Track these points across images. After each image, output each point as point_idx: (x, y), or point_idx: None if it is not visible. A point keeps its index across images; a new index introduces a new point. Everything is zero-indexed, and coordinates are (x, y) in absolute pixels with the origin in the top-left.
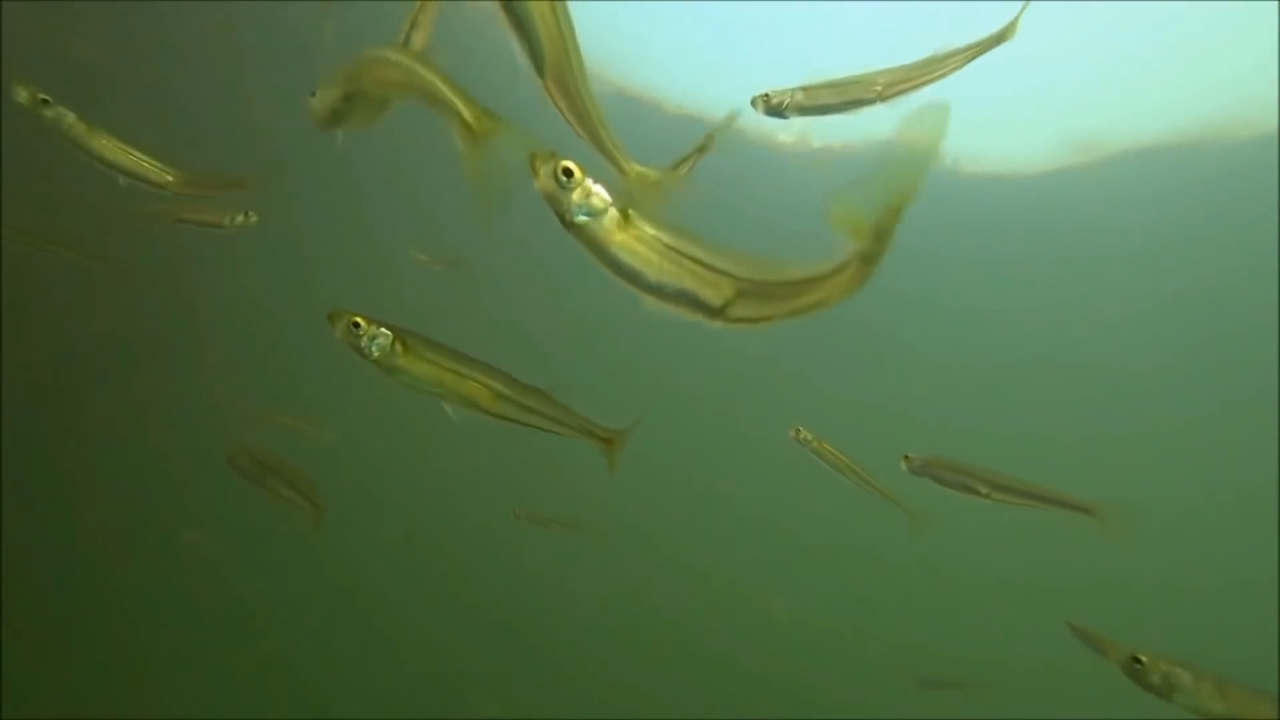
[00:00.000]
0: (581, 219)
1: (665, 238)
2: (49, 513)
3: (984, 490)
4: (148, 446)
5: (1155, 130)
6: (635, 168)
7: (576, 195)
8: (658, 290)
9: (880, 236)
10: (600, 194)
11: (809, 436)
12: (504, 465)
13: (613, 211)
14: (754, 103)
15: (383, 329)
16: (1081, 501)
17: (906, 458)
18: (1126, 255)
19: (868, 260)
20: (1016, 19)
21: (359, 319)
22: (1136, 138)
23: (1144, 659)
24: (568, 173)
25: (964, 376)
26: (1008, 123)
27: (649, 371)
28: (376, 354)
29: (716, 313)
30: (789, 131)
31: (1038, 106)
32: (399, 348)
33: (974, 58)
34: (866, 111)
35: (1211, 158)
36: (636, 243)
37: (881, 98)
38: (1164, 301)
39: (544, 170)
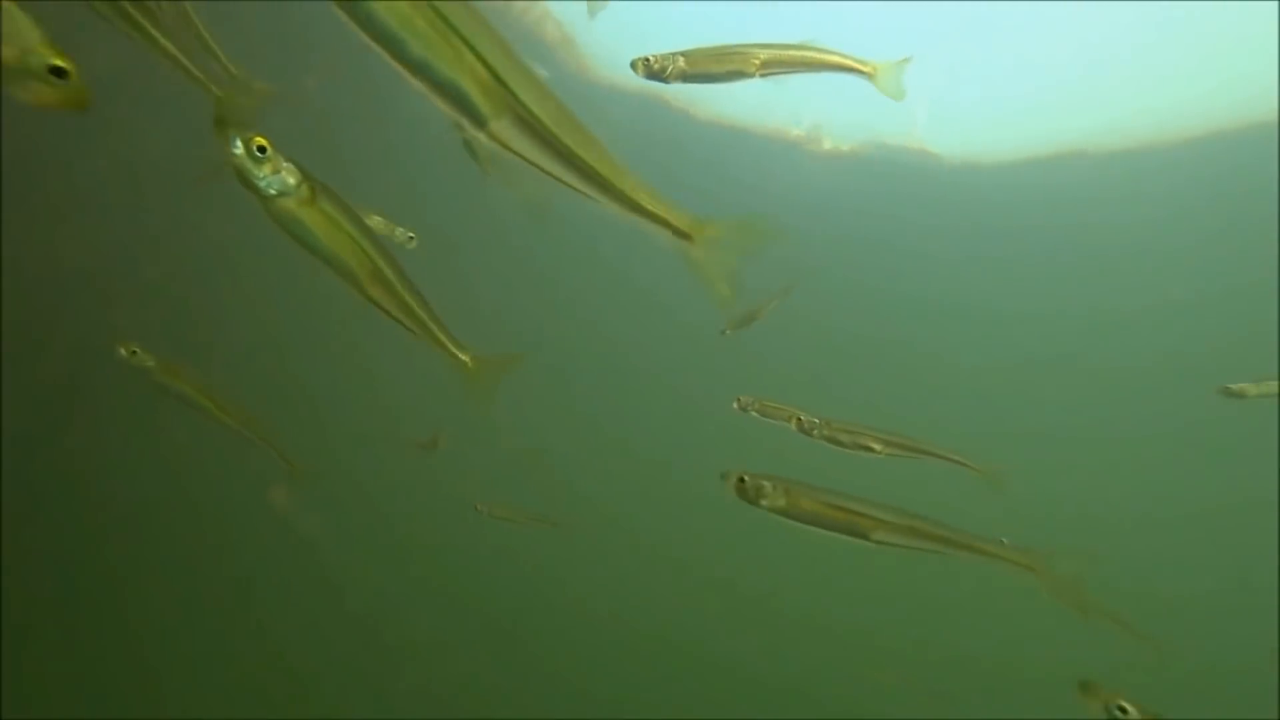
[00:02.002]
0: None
1: None
2: (50, 513)
3: (878, 448)
4: (148, 445)
5: (1156, 126)
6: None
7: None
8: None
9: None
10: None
11: (748, 401)
12: (504, 466)
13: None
14: (634, 65)
15: (292, 163)
16: (964, 459)
17: (799, 420)
18: (1126, 252)
19: (666, 226)
20: (898, 65)
21: (266, 142)
22: (1137, 134)
23: (745, 478)
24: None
25: (961, 373)
26: (1007, 118)
27: (643, 371)
28: (275, 192)
29: (480, 123)
30: (800, 129)
31: (1038, 102)
32: (305, 193)
33: (841, 69)
34: (878, 115)
35: (1212, 154)
36: None
37: (760, 73)
38: (1164, 298)
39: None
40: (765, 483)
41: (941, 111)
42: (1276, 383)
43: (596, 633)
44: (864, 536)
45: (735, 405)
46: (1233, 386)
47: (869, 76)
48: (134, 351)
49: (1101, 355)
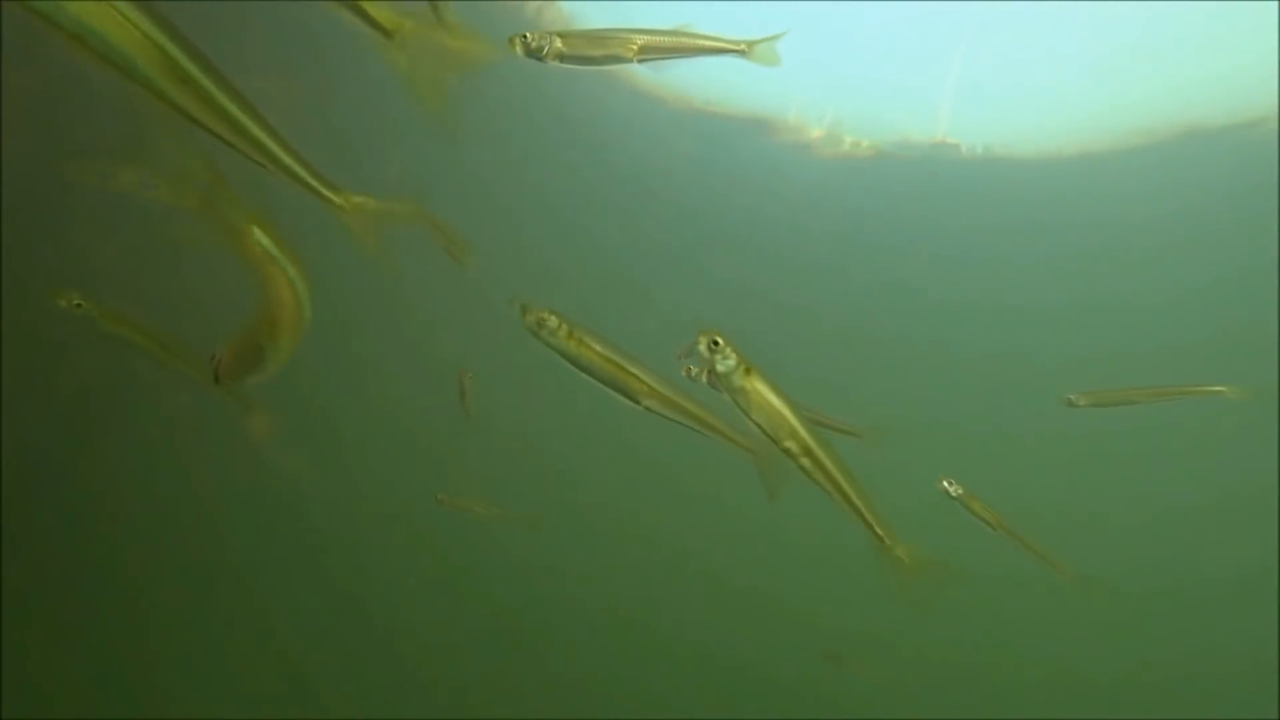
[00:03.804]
0: None
1: None
2: (50, 511)
3: None
4: (150, 442)
5: (1156, 123)
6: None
7: None
8: None
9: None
10: None
11: (696, 372)
12: (507, 466)
13: None
14: (511, 42)
15: None
16: (846, 425)
17: (688, 372)
18: (1123, 247)
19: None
20: (772, 40)
21: None
22: (1137, 128)
23: (543, 316)
24: None
25: (958, 369)
26: (1009, 113)
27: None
28: None
29: None
30: (820, 127)
31: (1039, 97)
32: None
33: (716, 52)
34: (897, 115)
35: (1210, 151)
36: None
37: (638, 58)
38: (1164, 294)
39: None
40: (554, 319)
41: (965, 105)
42: (1111, 393)
43: (600, 630)
44: (635, 400)
45: (684, 374)
46: (1070, 396)
47: (743, 54)
48: (78, 304)
49: (1105, 352)
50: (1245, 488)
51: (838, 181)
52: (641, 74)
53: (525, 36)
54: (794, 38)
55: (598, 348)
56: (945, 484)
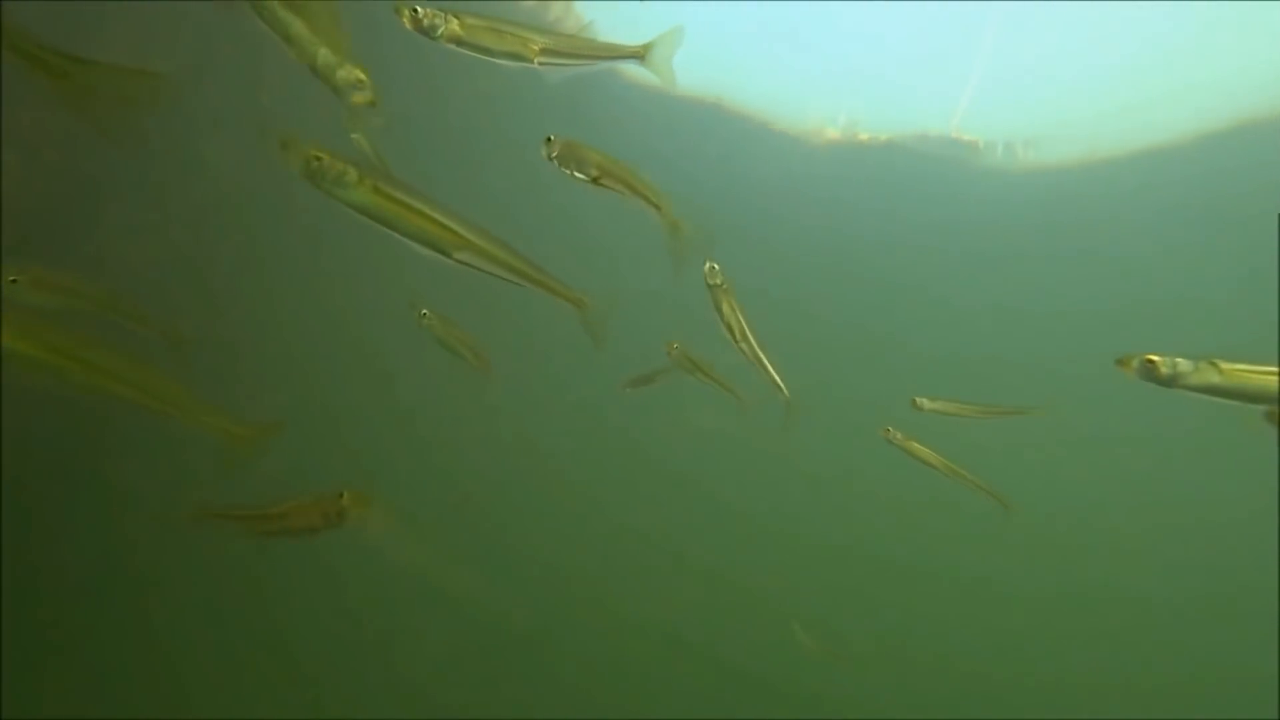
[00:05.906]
0: None
1: None
2: (53, 511)
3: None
4: (162, 444)
5: (1175, 124)
6: None
7: None
8: None
9: None
10: None
11: (673, 352)
12: (510, 467)
13: None
14: (399, 11)
15: None
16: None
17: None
18: (1137, 250)
19: None
20: (671, 38)
21: None
22: (1157, 131)
23: (316, 156)
24: None
25: (960, 371)
26: (1027, 116)
27: (649, 366)
28: None
29: None
30: (835, 126)
31: (1055, 100)
32: None
33: (617, 58)
34: (915, 106)
35: (1234, 152)
36: None
37: (539, 60)
38: (1172, 299)
39: None
40: (333, 162)
41: (983, 103)
42: (954, 404)
43: (611, 638)
44: (446, 254)
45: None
46: (917, 400)
47: (641, 59)
48: (13, 280)
49: (1103, 353)
50: (1245, 489)
51: (850, 178)
52: (646, 72)
53: (415, 10)
54: (808, 37)
55: (396, 194)
56: (888, 431)
